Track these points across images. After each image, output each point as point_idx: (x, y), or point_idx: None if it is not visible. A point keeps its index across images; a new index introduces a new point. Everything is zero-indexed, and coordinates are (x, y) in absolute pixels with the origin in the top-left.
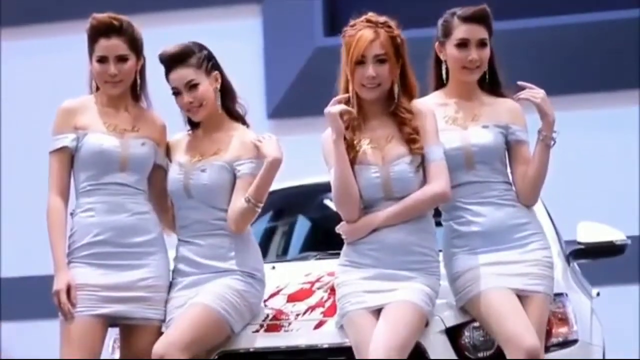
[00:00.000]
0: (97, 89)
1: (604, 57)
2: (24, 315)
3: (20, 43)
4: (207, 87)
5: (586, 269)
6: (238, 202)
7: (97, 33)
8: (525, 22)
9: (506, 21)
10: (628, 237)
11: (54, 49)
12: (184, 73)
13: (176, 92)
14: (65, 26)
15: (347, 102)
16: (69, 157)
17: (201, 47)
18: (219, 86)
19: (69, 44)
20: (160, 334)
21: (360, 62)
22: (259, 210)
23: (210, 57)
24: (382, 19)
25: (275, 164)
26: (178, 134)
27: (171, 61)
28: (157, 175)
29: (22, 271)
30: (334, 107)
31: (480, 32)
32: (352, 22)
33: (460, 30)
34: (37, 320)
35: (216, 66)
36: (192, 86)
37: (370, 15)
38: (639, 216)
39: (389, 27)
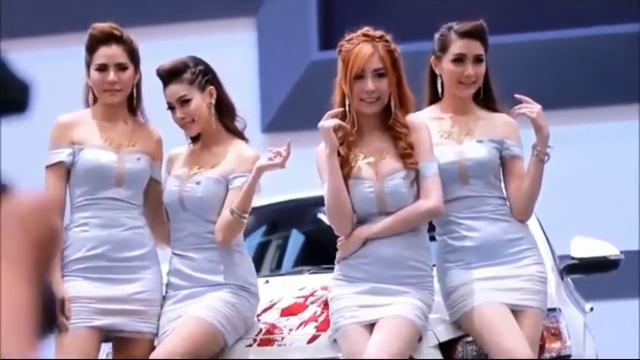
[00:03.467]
0: (94, 101)
1: (604, 71)
2: None
3: (17, 56)
4: (200, 102)
5: (584, 283)
6: (224, 213)
7: (97, 42)
8: (525, 36)
9: (506, 35)
10: (629, 252)
11: (49, 61)
12: (176, 89)
13: (171, 107)
14: (60, 39)
15: (342, 116)
16: (65, 172)
17: (197, 62)
18: (213, 101)
19: (63, 56)
20: (153, 347)
21: (359, 76)
22: (245, 221)
23: (206, 72)
24: (378, 33)
25: (257, 172)
26: (179, 148)
27: (166, 77)
28: (152, 190)
29: None
30: (327, 122)
31: (477, 48)
32: (348, 37)
33: (457, 46)
34: None
35: (212, 81)
36: (184, 102)
37: (367, 29)
38: (639, 231)
39: (386, 41)
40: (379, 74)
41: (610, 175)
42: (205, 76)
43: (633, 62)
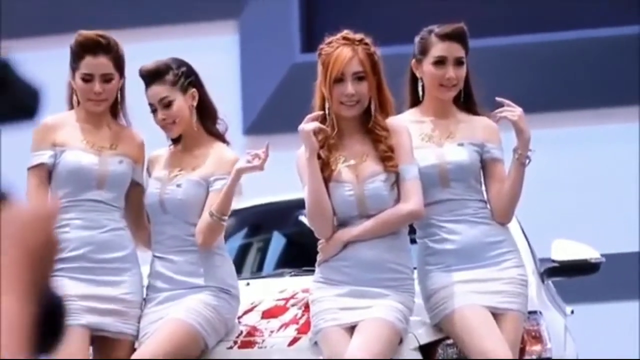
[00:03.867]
0: (79, 103)
1: (604, 74)
2: None
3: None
4: (182, 104)
5: (582, 285)
6: (204, 216)
7: (83, 50)
8: (525, 37)
9: (506, 37)
10: (629, 254)
11: (43, 61)
12: (158, 90)
13: (152, 109)
14: (46, 40)
15: (322, 119)
16: (46, 174)
17: (180, 64)
18: (195, 104)
19: (55, 57)
20: (133, 349)
21: (339, 79)
22: (224, 223)
23: (188, 74)
24: (358, 36)
25: (236, 175)
26: (159, 150)
27: (148, 78)
28: (134, 193)
29: None
30: (307, 125)
31: (458, 51)
32: (328, 40)
33: (438, 48)
34: None
35: (194, 83)
36: (165, 103)
37: (347, 32)
38: (639, 233)
39: (366, 44)
40: (359, 77)
41: (610, 177)
42: (188, 78)
43: (633, 64)
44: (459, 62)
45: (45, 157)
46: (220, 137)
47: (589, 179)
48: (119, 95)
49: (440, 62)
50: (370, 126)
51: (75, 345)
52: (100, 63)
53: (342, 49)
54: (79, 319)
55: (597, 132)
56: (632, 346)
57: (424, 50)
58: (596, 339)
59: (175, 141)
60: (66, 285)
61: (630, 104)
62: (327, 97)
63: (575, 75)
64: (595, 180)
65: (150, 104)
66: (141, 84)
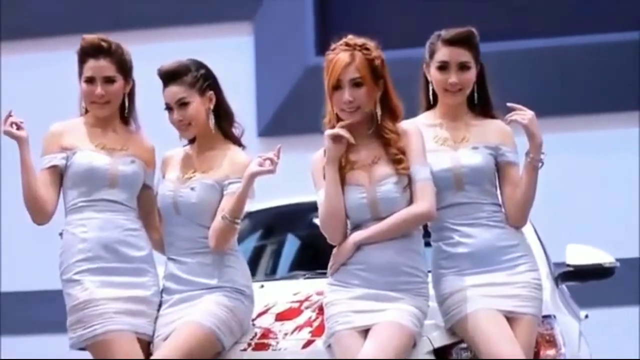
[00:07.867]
0: (87, 110)
1: (605, 79)
2: (24, 330)
3: (21, 57)
4: (198, 106)
5: (584, 290)
6: (217, 220)
7: (85, 54)
8: (526, 42)
9: (507, 42)
10: (629, 259)
11: (54, 62)
12: (176, 90)
13: (168, 108)
14: (61, 41)
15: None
16: (58, 175)
17: (199, 66)
18: (212, 106)
19: (67, 58)
20: (148, 350)
21: (337, 86)
22: (237, 227)
23: (207, 77)
24: (360, 41)
25: (248, 179)
26: (174, 149)
27: (166, 77)
28: (145, 195)
29: (22, 286)
30: (333, 130)
31: (462, 55)
32: (333, 46)
33: (441, 53)
34: (37, 335)
35: (212, 86)
36: (182, 104)
37: (349, 38)
38: (639, 238)
39: (367, 49)
40: (356, 84)
41: (610, 182)
42: (206, 81)
43: (633, 70)
44: (462, 67)
45: (57, 159)
46: (237, 141)
47: (589, 184)
48: (126, 101)
49: (442, 67)
50: (376, 131)
51: (133, 349)
52: (101, 66)
53: (340, 55)
54: (121, 323)
55: (597, 138)
56: (632, 352)
57: (431, 54)
58: (600, 344)
59: (192, 141)
60: (93, 289)
61: (630, 110)
62: (329, 103)
63: (575, 81)
64: (595, 185)
65: (167, 104)
66: (155, 84)
